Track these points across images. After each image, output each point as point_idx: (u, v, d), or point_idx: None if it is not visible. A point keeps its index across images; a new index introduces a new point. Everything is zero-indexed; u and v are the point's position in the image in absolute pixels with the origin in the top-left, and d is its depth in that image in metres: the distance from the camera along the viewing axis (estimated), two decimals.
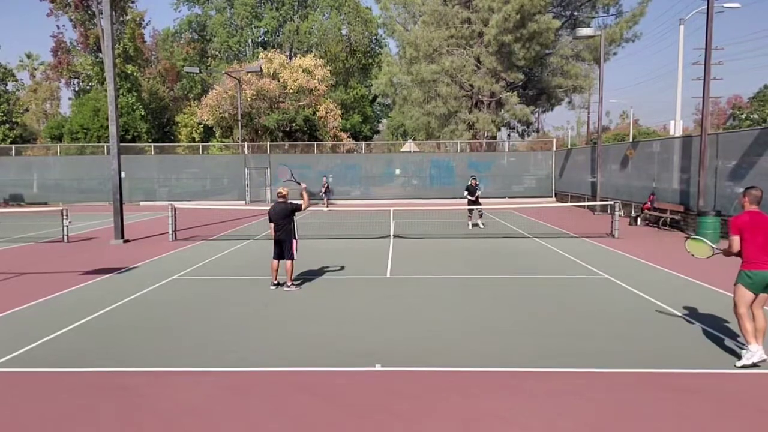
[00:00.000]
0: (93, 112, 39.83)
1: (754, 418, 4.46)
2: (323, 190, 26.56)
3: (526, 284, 9.51)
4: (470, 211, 18.42)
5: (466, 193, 18.36)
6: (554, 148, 34.06)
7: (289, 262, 9.15)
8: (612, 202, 15.97)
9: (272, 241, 9.28)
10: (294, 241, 9.11)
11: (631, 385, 5.09)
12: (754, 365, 5.42)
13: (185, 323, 7.27)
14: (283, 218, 9.05)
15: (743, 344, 5.67)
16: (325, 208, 24.29)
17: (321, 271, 10.65)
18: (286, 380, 5.30)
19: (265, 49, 47.94)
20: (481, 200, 18.68)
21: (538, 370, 5.48)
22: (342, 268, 11.09)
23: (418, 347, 6.19)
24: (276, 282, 9.23)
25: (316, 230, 16.93)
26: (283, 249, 9.15)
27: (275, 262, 9.25)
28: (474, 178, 18.60)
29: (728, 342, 6.24)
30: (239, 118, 34.59)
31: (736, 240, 5.56)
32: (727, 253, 5.72)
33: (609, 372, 5.41)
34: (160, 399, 4.90)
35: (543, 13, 30.08)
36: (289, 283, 9.16)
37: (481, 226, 18.09)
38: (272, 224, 9.17)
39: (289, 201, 9.21)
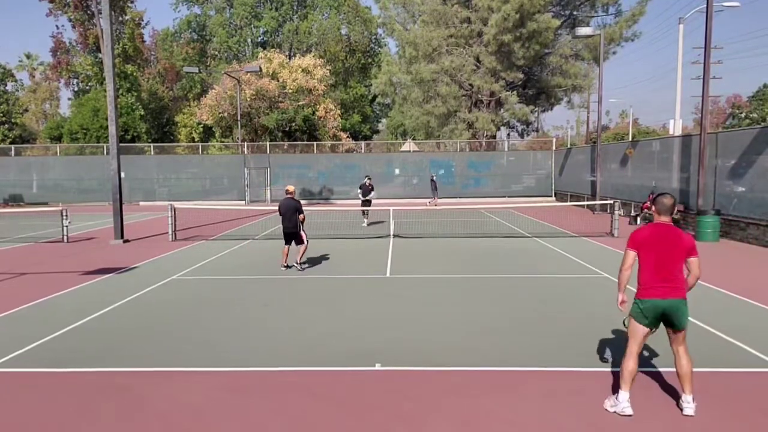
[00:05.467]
0: (92, 112, 39.79)
1: (754, 418, 4.46)
2: (433, 186, 26.64)
3: (526, 284, 9.51)
4: (364, 212, 18.91)
5: (359, 191, 18.38)
6: (554, 148, 34.10)
7: (302, 246, 10.61)
8: (611, 202, 15.97)
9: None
10: (303, 232, 10.61)
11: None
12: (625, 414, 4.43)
13: (185, 323, 7.28)
14: (293, 212, 10.46)
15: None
16: (435, 207, 24.19)
17: (321, 271, 10.66)
18: (286, 380, 5.30)
19: (264, 48, 47.91)
20: (373, 202, 19.16)
21: (539, 369, 5.49)
22: (342, 267, 11.09)
23: (418, 347, 6.19)
24: (286, 264, 10.68)
25: (316, 230, 16.92)
26: (293, 239, 10.64)
27: (287, 247, 10.75)
28: (369, 178, 19.00)
29: (728, 342, 6.24)
30: (239, 118, 34.59)
31: (629, 255, 4.56)
32: (620, 276, 4.63)
33: (609, 371, 5.41)
34: (160, 399, 4.90)
35: (542, 13, 30.08)
36: (298, 260, 10.61)
37: (365, 224, 18.47)
38: (282, 217, 10.58)
39: (295, 198, 10.70)
